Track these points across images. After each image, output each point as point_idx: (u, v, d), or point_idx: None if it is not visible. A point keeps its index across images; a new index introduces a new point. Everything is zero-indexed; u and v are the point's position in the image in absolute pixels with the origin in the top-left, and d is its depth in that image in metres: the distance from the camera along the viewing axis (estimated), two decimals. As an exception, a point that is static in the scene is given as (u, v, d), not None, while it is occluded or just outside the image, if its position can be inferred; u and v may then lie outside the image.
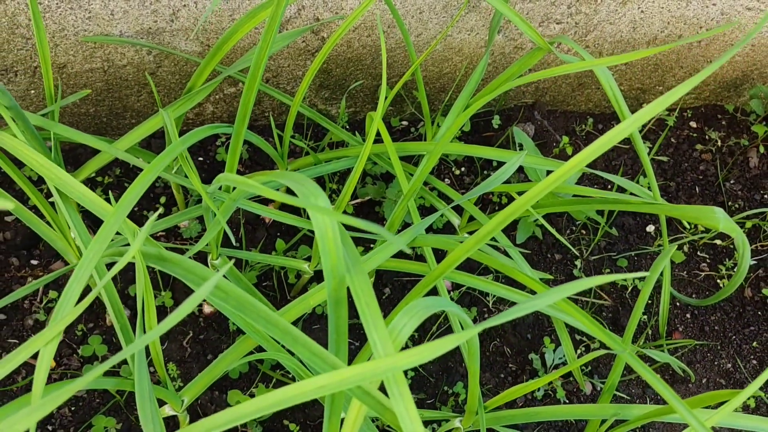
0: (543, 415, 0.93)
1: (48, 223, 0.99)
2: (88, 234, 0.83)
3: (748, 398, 1.22)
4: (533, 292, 1.09)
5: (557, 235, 0.93)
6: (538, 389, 1.16)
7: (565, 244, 1.24)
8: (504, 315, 0.52)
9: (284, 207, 1.25)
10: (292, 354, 0.82)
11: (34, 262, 1.23)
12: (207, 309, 1.18)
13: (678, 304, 1.31)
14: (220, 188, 0.90)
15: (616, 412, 0.87)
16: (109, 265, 0.86)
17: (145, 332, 0.77)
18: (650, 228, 1.39)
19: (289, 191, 1.28)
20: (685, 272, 1.35)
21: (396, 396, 0.53)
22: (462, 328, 1.09)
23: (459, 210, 1.29)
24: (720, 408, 0.73)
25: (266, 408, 0.50)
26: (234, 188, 0.93)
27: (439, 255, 1.23)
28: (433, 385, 1.16)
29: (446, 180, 1.40)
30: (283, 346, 0.83)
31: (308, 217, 1.30)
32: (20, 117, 0.86)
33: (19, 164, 1.05)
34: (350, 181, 0.97)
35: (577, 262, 1.32)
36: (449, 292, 1.25)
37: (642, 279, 1.31)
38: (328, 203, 0.57)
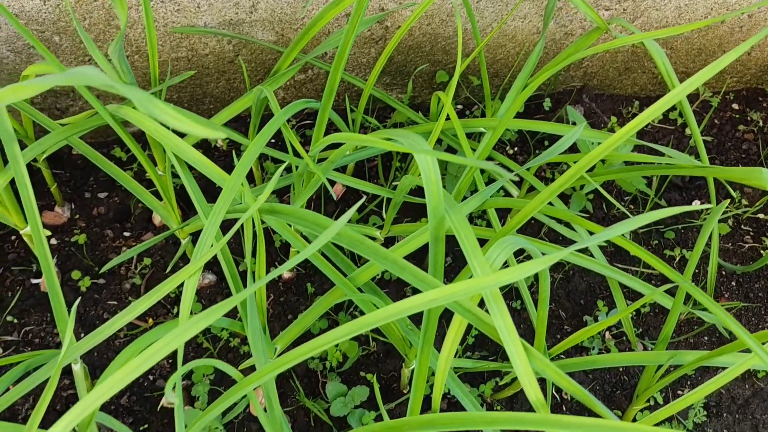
0: (601, 362, 1.02)
1: (155, 193, 1.10)
2: (202, 195, 0.94)
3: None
4: (591, 255, 1.18)
5: (611, 200, 1.02)
6: (593, 348, 1.25)
7: (621, 209, 1.32)
8: (588, 240, 0.61)
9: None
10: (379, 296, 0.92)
11: (126, 233, 1.35)
12: (286, 275, 1.29)
13: (724, 272, 1.38)
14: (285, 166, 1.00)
15: (672, 357, 0.96)
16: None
17: (254, 280, 0.88)
18: (696, 203, 1.46)
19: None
20: (730, 244, 1.43)
21: (495, 311, 0.62)
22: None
23: (517, 185, 1.39)
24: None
25: (390, 317, 0.60)
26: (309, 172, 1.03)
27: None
28: (495, 343, 1.26)
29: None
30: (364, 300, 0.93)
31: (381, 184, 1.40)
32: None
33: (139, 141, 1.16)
34: (422, 152, 1.07)
35: (627, 234, 1.40)
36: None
37: (690, 249, 1.39)
38: (430, 148, 0.67)
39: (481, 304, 1.25)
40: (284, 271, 0.65)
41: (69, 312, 0.90)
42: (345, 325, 0.63)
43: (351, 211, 0.61)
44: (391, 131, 0.73)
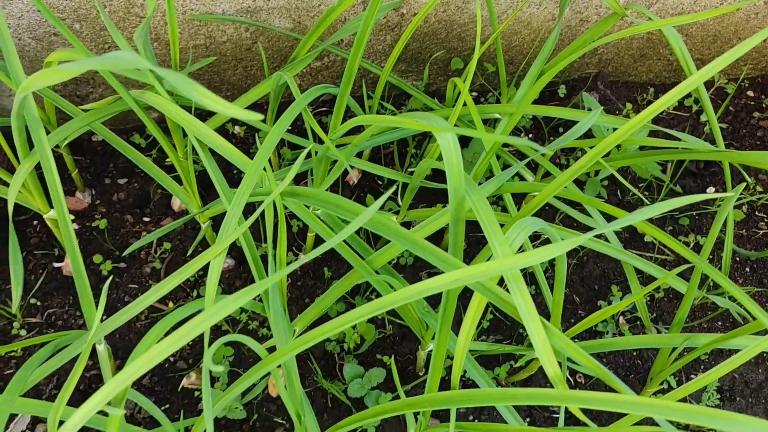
0: (616, 344, 1.03)
1: (175, 178, 1.12)
2: (223, 178, 0.95)
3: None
4: (607, 240, 1.19)
5: (627, 185, 1.02)
6: (607, 332, 1.26)
7: (637, 195, 1.33)
8: (608, 225, 0.62)
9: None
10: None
11: (146, 219, 1.37)
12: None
13: (738, 258, 1.39)
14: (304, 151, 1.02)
15: (686, 339, 0.97)
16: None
17: (275, 261, 0.89)
18: (710, 190, 1.47)
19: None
20: (744, 230, 1.43)
21: (515, 290, 0.64)
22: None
23: (532, 171, 1.40)
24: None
25: (414, 296, 0.62)
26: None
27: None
28: (510, 327, 1.27)
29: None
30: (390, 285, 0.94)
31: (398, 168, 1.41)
32: (159, 78, 0.99)
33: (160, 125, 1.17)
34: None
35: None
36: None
37: (704, 235, 1.40)
38: (451, 127, 0.68)
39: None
40: (316, 256, 0.66)
41: (93, 294, 0.92)
42: (370, 303, 0.65)
43: (383, 198, 0.63)
44: (413, 114, 0.74)
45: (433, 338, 1.06)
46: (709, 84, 1.63)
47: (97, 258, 1.29)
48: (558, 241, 0.76)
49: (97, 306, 0.84)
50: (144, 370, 0.64)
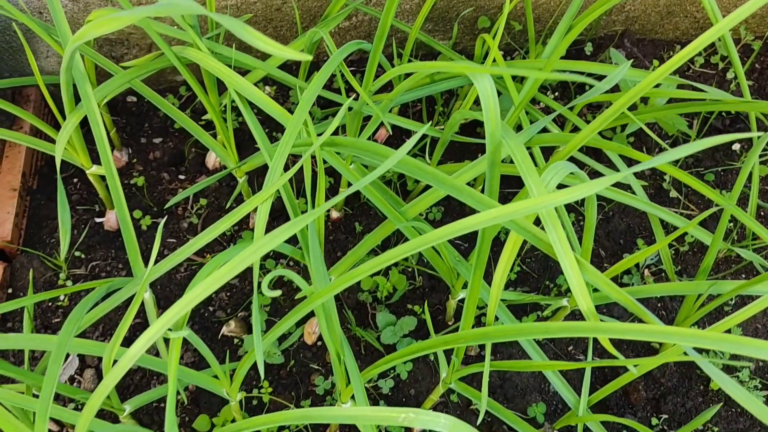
0: (643, 291, 1.06)
1: (212, 135, 1.15)
2: (263, 131, 0.99)
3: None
4: (633, 192, 1.21)
5: (654, 137, 1.04)
6: (632, 284, 1.29)
7: (665, 148, 1.35)
8: (634, 167, 0.65)
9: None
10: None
11: (181, 176, 1.42)
12: (334, 214, 1.35)
13: (762, 213, 1.41)
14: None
15: (711, 286, 1.00)
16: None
17: (314, 206, 0.93)
18: (736, 146, 1.48)
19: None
20: (769, 186, 1.45)
21: (550, 227, 0.67)
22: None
23: (559, 127, 1.42)
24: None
25: (454, 233, 0.65)
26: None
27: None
28: (536, 280, 1.31)
29: (541, 103, 1.52)
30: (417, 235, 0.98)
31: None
32: (198, 34, 1.02)
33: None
34: (470, 94, 1.10)
35: (667, 176, 1.43)
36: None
37: (729, 191, 1.41)
38: (491, 69, 0.71)
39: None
40: (357, 189, 0.70)
41: (138, 244, 0.96)
42: (412, 240, 0.68)
43: (413, 140, 0.66)
44: (450, 62, 0.77)
45: (463, 287, 1.10)
46: (735, 41, 1.63)
47: (137, 213, 1.34)
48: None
49: (151, 250, 0.88)
50: (206, 294, 0.68)
